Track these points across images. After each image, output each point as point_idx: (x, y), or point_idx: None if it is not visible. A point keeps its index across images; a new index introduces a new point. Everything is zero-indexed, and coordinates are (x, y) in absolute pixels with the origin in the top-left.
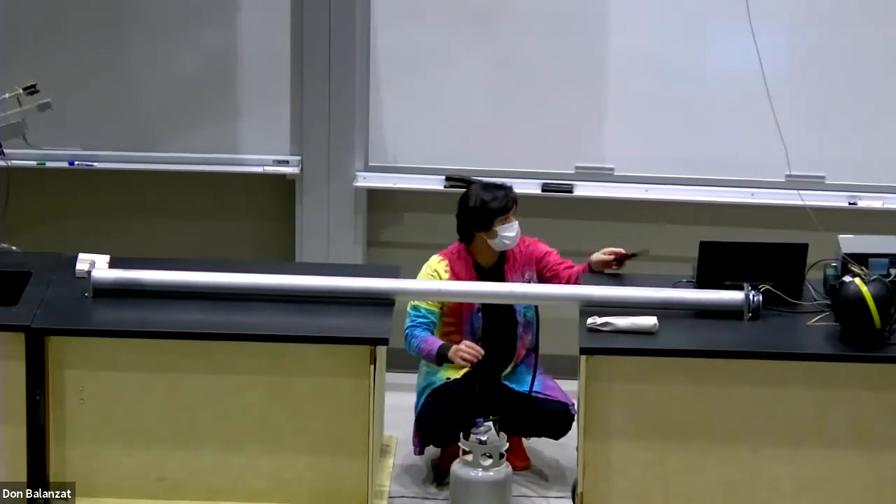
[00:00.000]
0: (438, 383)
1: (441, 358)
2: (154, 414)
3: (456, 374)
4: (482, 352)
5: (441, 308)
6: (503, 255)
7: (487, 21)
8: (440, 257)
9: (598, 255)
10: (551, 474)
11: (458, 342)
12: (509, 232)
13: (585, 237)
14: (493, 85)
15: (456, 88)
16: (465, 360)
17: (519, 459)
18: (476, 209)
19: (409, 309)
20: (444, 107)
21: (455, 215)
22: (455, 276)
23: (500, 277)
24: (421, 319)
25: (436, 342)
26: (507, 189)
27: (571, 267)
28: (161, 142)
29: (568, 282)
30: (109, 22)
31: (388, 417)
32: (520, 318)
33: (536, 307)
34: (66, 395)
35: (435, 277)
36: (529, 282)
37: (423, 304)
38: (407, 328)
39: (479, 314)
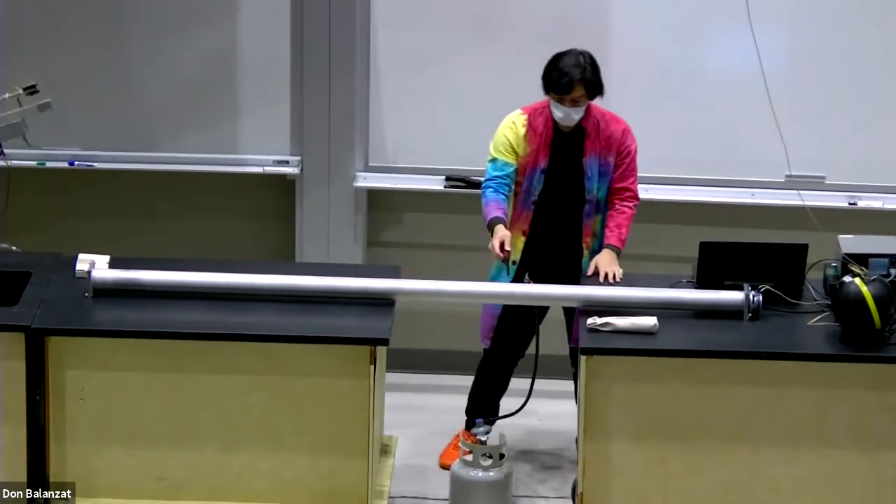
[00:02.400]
0: (501, 280)
1: (490, 227)
2: (154, 414)
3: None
4: (506, 256)
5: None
6: (581, 127)
7: (487, 21)
8: (521, 111)
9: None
10: (551, 474)
11: (516, 202)
12: (557, 112)
13: None
14: (493, 85)
15: (456, 88)
16: (492, 250)
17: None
18: (545, 70)
19: (488, 164)
20: (444, 107)
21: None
22: (532, 130)
23: (579, 148)
24: (497, 173)
25: (493, 211)
26: (573, 76)
27: (621, 213)
28: (161, 142)
29: (607, 218)
30: (109, 22)
31: (388, 417)
32: (588, 195)
33: (607, 191)
34: (66, 395)
35: (513, 129)
36: (605, 166)
37: (501, 156)
38: (485, 180)
39: (543, 175)
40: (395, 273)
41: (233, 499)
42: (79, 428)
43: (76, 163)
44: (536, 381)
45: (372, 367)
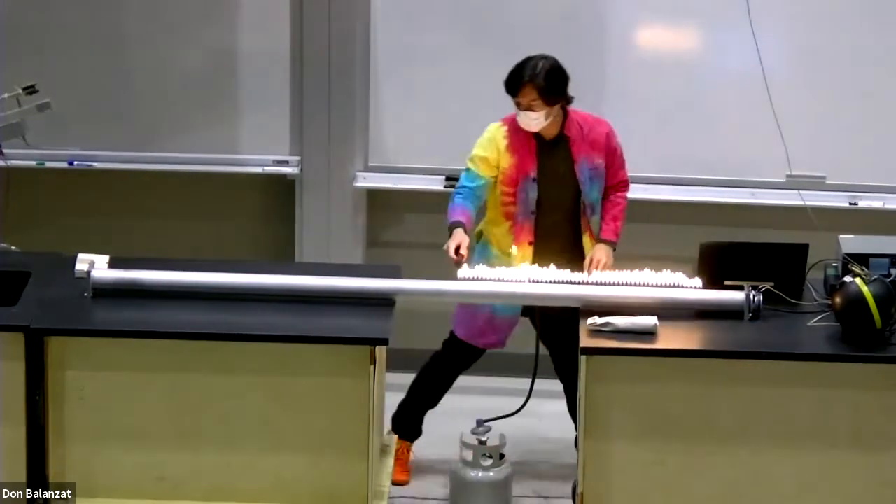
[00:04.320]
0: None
1: (449, 231)
2: (154, 414)
3: (505, 252)
4: (460, 259)
5: (494, 177)
6: (565, 135)
7: (487, 21)
8: (500, 123)
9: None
10: (551, 474)
11: (514, 214)
12: (521, 116)
13: None
14: (494, 85)
15: (456, 88)
16: (447, 251)
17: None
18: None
19: (462, 171)
20: (444, 107)
21: None
22: (513, 141)
23: (566, 155)
24: (468, 184)
25: (455, 215)
26: (521, 78)
27: (616, 205)
28: (161, 142)
29: (602, 211)
30: (109, 22)
31: (388, 417)
32: (586, 199)
33: (603, 193)
34: (66, 395)
35: (492, 143)
36: (596, 169)
37: (475, 167)
38: (456, 188)
39: (535, 183)
40: (395, 273)
41: (233, 499)
42: (79, 428)
43: (76, 163)
44: (536, 381)
45: (372, 367)
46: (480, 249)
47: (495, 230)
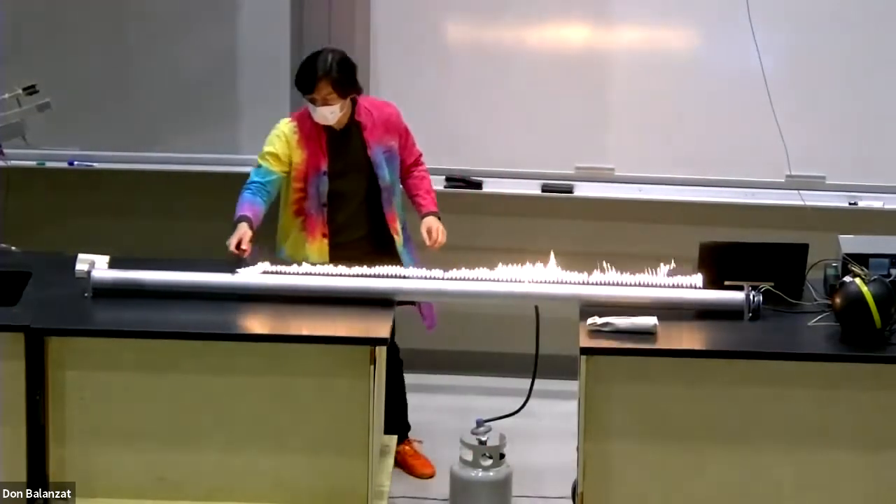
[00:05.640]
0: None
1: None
2: (154, 414)
3: (298, 254)
4: (241, 253)
5: (287, 173)
6: (357, 122)
7: (487, 21)
8: (289, 119)
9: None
10: (551, 474)
11: (305, 209)
12: (312, 112)
13: (585, 237)
14: (493, 85)
15: (456, 88)
16: (229, 246)
17: (423, 466)
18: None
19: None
20: (444, 107)
21: None
22: (304, 136)
23: (359, 143)
24: (258, 179)
25: (242, 210)
26: (316, 74)
27: (423, 179)
28: (161, 142)
29: (412, 189)
30: (109, 22)
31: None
32: (382, 183)
33: (403, 173)
34: (66, 395)
35: (281, 139)
36: (389, 152)
37: (266, 163)
38: (245, 184)
39: (325, 177)
40: (395, 273)
41: (233, 499)
42: (79, 428)
43: (76, 163)
44: (536, 381)
45: (372, 367)
46: (279, 253)
47: (288, 232)
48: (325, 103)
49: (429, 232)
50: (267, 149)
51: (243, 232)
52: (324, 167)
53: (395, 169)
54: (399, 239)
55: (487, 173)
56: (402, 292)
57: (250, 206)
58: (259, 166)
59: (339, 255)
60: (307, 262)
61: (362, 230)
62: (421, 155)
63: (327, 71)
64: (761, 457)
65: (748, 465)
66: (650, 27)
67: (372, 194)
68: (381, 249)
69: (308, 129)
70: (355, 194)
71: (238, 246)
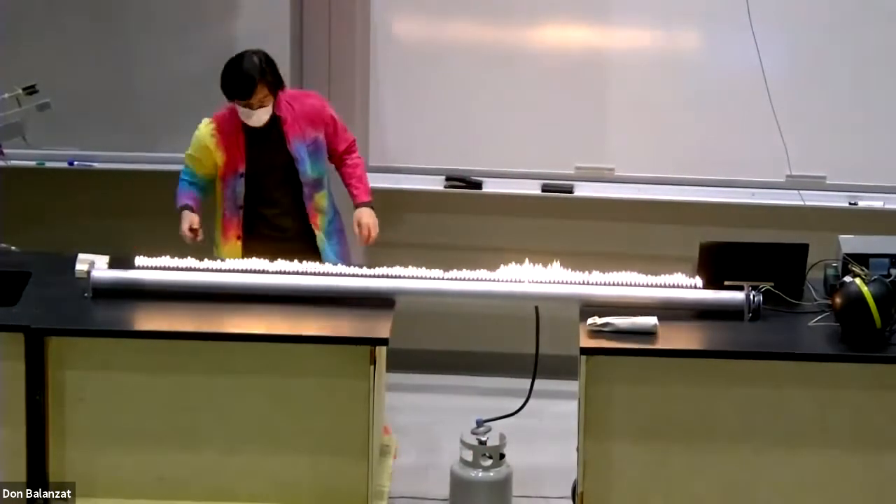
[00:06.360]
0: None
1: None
2: (154, 414)
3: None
4: (194, 237)
5: (213, 174)
6: (276, 117)
7: (488, 21)
8: (209, 120)
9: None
10: (551, 474)
11: (223, 209)
12: (245, 117)
13: (585, 237)
14: (494, 85)
15: (456, 88)
16: (183, 234)
17: None
18: (222, 80)
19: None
20: (445, 107)
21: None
22: (223, 136)
23: (279, 138)
24: (186, 178)
25: (181, 200)
26: (252, 78)
27: (356, 167)
28: (161, 142)
29: (345, 178)
30: (109, 22)
31: (388, 417)
32: (303, 178)
33: (335, 162)
34: (66, 396)
35: (201, 142)
36: (314, 144)
37: (190, 165)
38: (180, 178)
39: (242, 179)
40: (395, 273)
41: (233, 499)
42: (79, 428)
43: (76, 163)
44: (536, 381)
45: (372, 367)
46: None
47: (217, 224)
48: (261, 105)
49: (360, 226)
50: (189, 151)
51: (190, 218)
52: (241, 169)
53: (321, 160)
54: (320, 234)
55: (487, 173)
56: (402, 292)
57: (188, 194)
58: (186, 166)
59: (255, 253)
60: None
61: (287, 227)
62: (354, 141)
63: (262, 73)
64: (761, 456)
65: (748, 464)
66: (650, 27)
67: (295, 189)
68: (301, 244)
69: (228, 131)
70: (277, 195)
71: (190, 231)
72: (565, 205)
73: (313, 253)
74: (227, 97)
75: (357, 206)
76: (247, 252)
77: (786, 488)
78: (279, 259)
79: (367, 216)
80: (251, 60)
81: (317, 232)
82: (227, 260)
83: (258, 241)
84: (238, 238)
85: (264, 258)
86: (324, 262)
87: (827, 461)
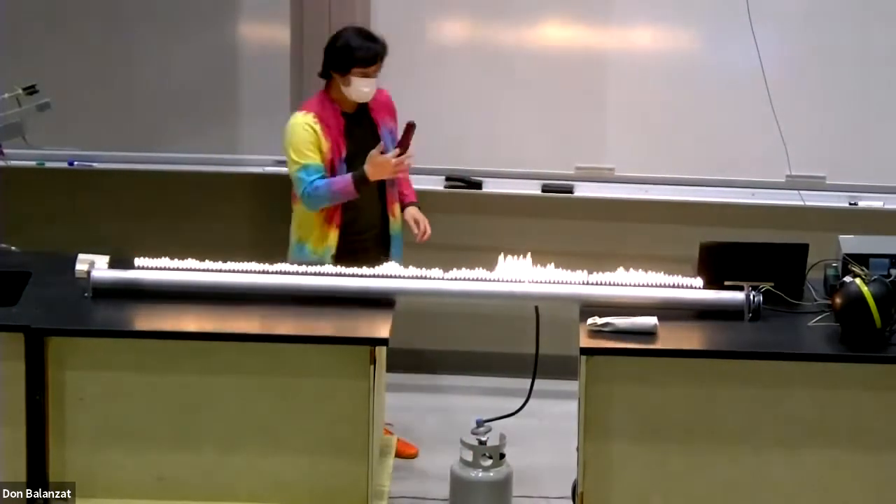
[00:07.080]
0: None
1: (360, 181)
2: (154, 414)
3: (321, 246)
4: (407, 160)
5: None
6: (365, 104)
7: (488, 21)
8: (305, 111)
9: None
10: (551, 474)
11: None
12: (364, 87)
13: (585, 237)
14: (494, 85)
15: (456, 88)
16: (399, 169)
17: (406, 447)
18: (340, 50)
19: (297, 174)
20: (444, 107)
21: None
22: (326, 125)
23: (369, 122)
24: (315, 177)
25: (342, 179)
26: (379, 44)
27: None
28: (161, 142)
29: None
30: (110, 22)
31: (388, 417)
32: None
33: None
34: (66, 396)
35: (309, 131)
36: (393, 134)
37: (310, 159)
38: (306, 189)
39: (344, 164)
40: (395, 273)
41: (232, 499)
42: (79, 428)
43: (76, 163)
44: (536, 381)
45: (372, 367)
46: (297, 252)
47: (311, 226)
48: (367, 76)
49: (416, 222)
50: (302, 144)
51: (379, 159)
52: (343, 153)
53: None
54: (396, 222)
55: (487, 173)
56: (402, 292)
57: (337, 179)
58: (305, 166)
59: (345, 242)
60: (332, 254)
61: (370, 218)
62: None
63: (384, 43)
64: (761, 456)
65: (748, 464)
66: (650, 27)
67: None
68: (379, 232)
69: (328, 118)
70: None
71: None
72: (565, 205)
73: (388, 241)
74: (362, 62)
75: (407, 205)
76: (343, 244)
77: (786, 488)
78: (369, 256)
79: (419, 214)
80: (364, 31)
81: (392, 219)
82: (329, 246)
83: (347, 229)
84: (337, 226)
85: (354, 251)
86: (390, 249)
87: (827, 461)
